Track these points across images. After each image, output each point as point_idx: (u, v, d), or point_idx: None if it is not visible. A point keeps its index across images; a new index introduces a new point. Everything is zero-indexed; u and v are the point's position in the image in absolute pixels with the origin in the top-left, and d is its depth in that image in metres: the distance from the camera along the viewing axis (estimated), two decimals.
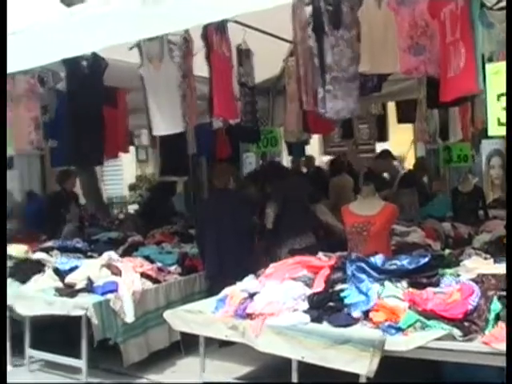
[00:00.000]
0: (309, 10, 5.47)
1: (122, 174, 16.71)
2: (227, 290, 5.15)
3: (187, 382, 5.45)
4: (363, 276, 4.71)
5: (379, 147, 11.59)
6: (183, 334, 5.70)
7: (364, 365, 4.01)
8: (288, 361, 4.50)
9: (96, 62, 6.81)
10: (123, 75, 7.03)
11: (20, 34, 5.97)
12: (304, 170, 11.09)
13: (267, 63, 7.73)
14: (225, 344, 5.39)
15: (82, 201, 11.48)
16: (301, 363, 4.42)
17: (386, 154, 9.52)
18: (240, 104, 6.85)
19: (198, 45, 6.16)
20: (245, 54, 7.07)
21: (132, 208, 12.78)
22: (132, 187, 14.73)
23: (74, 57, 6.03)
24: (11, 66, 6.09)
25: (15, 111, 6.90)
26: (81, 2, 6.29)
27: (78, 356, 5.71)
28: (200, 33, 5.96)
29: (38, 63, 5.99)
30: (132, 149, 12.32)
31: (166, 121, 6.22)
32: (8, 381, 5.94)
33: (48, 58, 5.84)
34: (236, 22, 6.11)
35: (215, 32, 5.93)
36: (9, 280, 6.23)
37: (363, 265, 4.79)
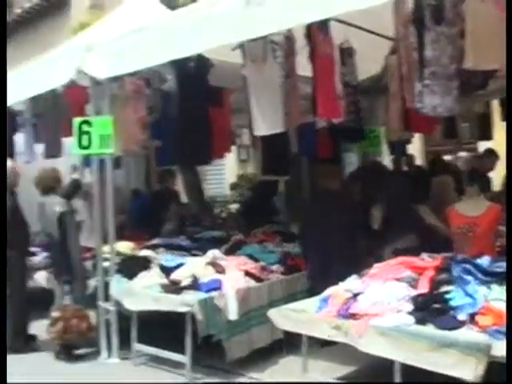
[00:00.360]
0: (411, 6, 5.36)
1: (224, 174, 16.90)
2: (330, 290, 5.12)
3: (289, 381, 5.45)
4: (469, 278, 4.58)
5: (482, 146, 11.24)
6: (285, 333, 5.71)
7: (469, 370, 3.89)
8: (390, 362, 4.43)
9: (201, 63, 6.93)
10: (226, 75, 7.13)
11: (128, 38, 6.17)
12: (405, 169, 10.89)
13: (368, 61, 7.62)
14: (326, 344, 5.34)
15: (185, 199, 11.72)
16: (404, 365, 4.34)
17: (491, 152, 9.24)
18: (343, 103, 6.79)
19: (300, 44, 6.15)
20: (347, 53, 7.00)
21: (233, 207, 12.89)
22: (233, 186, 14.87)
23: (182, 58, 6.13)
24: (120, 69, 6.31)
25: (122, 112, 7.10)
26: (180, 5, 6.43)
27: (182, 351, 5.80)
28: (301, 32, 5.95)
29: (147, 65, 6.14)
30: (234, 148, 12.42)
31: (267, 121, 6.24)
32: (115, 373, 6.18)
33: (156, 60, 5.99)
34: (338, 20, 6.06)
35: (318, 31, 5.91)
36: (117, 276, 6.47)
37: (469, 266, 4.67)
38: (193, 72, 6.96)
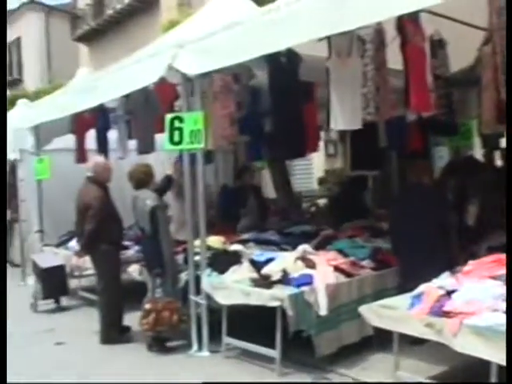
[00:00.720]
0: None
1: (312, 169, 16.88)
2: (423, 287, 5.01)
3: (377, 382, 5.39)
4: None
5: None
6: (375, 330, 5.64)
7: None
8: (484, 362, 4.29)
9: (292, 58, 6.92)
10: (312, 69, 7.09)
11: (218, 34, 6.23)
12: (498, 163, 10.57)
13: (459, 53, 7.42)
14: (417, 342, 5.25)
15: (271, 194, 11.76)
16: (500, 366, 4.19)
17: None
18: (434, 96, 6.64)
19: (389, 36, 6.07)
20: (438, 44, 6.84)
21: (321, 202, 12.87)
22: (321, 181, 14.84)
23: (274, 53, 6.15)
24: (210, 65, 6.38)
25: (212, 108, 7.19)
26: (268, 0, 6.43)
27: (271, 346, 5.83)
28: (391, 24, 5.86)
29: (237, 60, 6.18)
30: (321, 143, 12.37)
31: (345, 116, 6.14)
32: (205, 366, 6.26)
33: (246, 55, 6.02)
34: (428, 11, 5.93)
35: (409, 23, 5.80)
36: (208, 270, 6.55)
37: None
38: (284, 67, 6.95)
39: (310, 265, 6.17)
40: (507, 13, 3.99)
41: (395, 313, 4.88)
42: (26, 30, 38.53)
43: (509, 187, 3.66)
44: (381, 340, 5.77)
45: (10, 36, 40.70)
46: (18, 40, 40.11)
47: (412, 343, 5.49)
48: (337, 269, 6.21)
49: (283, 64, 6.95)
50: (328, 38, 6.03)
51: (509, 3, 4.03)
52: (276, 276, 6.08)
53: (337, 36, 5.85)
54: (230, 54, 6.11)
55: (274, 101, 7.18)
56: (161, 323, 6.63)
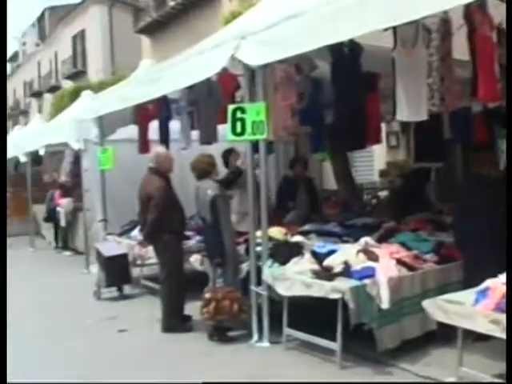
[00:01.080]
0: None
1: (373, 161, 16.73)
2: (488, 282, 4.90)
3: (440, 380, 5.30)
4: None
5: None
6: (438, 324, 5.54)
7: None
8: None
9: (354, 48, 6.85)
10: (374, 60, 7.01)
11: (280, 25, 6.19)
12: None
13: None
14: (481, 338, 5.14)
15: (333, 186, 11.69)
16: None
17: None
18: (500, 86, 6.48)
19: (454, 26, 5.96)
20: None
21: (382, 194, 12.75)
22: (383, 173, 14.69)
23: (337, 44, 6.09)
24: (272, 56, 6.36)
25: (273, 99, 7.17)
26: None
27: (332, 338, 5.80)
28: (453, 14, 5.74)
29: (299, 51, 6.13)
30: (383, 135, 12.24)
31: (411, 107, 6.05)
32: (265, 356, 6.27)
33: (308, 46, 5.97)
34: None
35: (477, 11, 5.66)
36: (269, 261, 6.56)
37: None
38: (346, 57, 6.89)
39: (373, 257, 6.11)
40: (507, 13, 3.87)
41: (460, 308, 4.79)
42: (89, 23, 39.29)
43: (509, 187, 3.56)
44: (444, 335, 5.69)
45: (75, 29, 41.65)
46: (82, 32, 40.95)
47: (476, 339, 5.40)
48: (399, 262, 6.14)
49: (345, 54, 6.89)
50: (393, 28, 5.94)
51: (509, 3, 3.91)
52: (338, 268, 6.04)
53: (402, 26, 5.75)
54: (292, 45, 6.07)
55: (336, 92, 7.13)
56: (221, 312, 6.67)
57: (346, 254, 6.27)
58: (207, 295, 6.83)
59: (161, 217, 7.31)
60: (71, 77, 41.24)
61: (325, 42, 5.88)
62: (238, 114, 6.48)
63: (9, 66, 70.33)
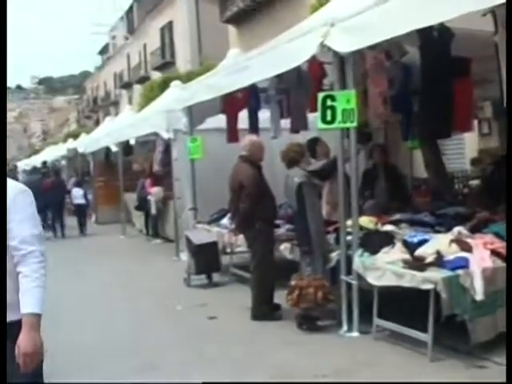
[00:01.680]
0: None
1: (464, 148, 16.31)
2: None
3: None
4: None
5: None
6: None
7: None
8: None
9: (444, 32, 6.67)
10: (467, 44, 6.81)
11: (370, 11, 6.09)
12: None
13: None
14: None
15: (422, 174, 11.45)
16: None
17: None
18: None
19: None
20: None
21: (473, 183, 12.40)
22: (474, 162, 14.27)
23: (426, 28, 5.95)
24: (362, 42, 6.27)
25: (364, 86, 7.08)
26: None
27: (423, 330, 5.70)
28: None
29: (389, 36, 6.02)
30: (475, 122, 11.89)
31: None
32: (354, 346, 6.23)
33: (398, 31, 5.85)
34: None
35: None
36: (359, 250, 6.50)
37: None
38: (436, 42, 6.72)
39: (466, 248, 5.95)
40: (507, 13, 3.64)
41: None
42: (177, 14, 39.81)
43: (509, 188, 3.37)
44: None
45: (162, 21, 42.32)
46: (169, 24, 41.56)
47: None
48: (494, 253, 5.94)
49: (435, 39, 6.72)
50: (492, 11, 5.74)
51: (509, 4, 3.69)
52: (430, 258, 5.91)
53: (502, 8, 5.56)
54: (382, 30, 5.96)
55: (424, 78, 6.96)
56: (304, 300, 6.68)
57: (439, 243, 6.13)
58: (292, 282, 6.85)
59: (253, 205, 7.36)
60: (160, 68, 41.95)
61: (416, 26, 5.75)
62: (328, 102, 6.42)
63: (99, 59, 72.52)
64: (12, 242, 3.13)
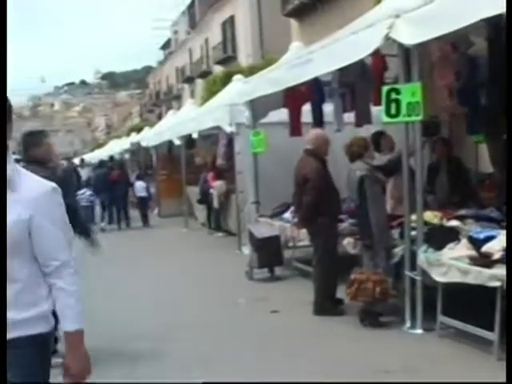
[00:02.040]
0: None
1: None
2: None
3: None
4: None
5: None
6: None
7: None
8: None
9: None
10: None
11: (436, 2, 5.98)
12: None
13: None
14: None
15: (488, 168, 11.20)
16: None
17: None
18: None
19: None
20: None
21: None
22: None
23: (494, 17, 5.79)
24: (428, 34, 6.15)
25: (429, 79, 6.96)
26: None
27: (489, 328, 5.57)
28: None
29: (454, 27, 5.88)
30: None
31: None
32: (417, 343, 6.14)
33: (463, 22, 5.72)
34: None
35: None
36: (424, 246, 6.40)
37: None
38: (504, 33, 6.54)
39: None
40: (507, 13, 3.46)
41: None
42: (238, 9, 39.91)
43: (509, 189, 3.21)
44: None
45: (224, 15, 42.52)
46: (231, 18, 41.70)
47: None
48: None
49: (504, 29, 6.54)
50: None
51: (509, 4, 3.52)
52: (497, 255, 5.76)
53: None
54: (449, 21, 5.82)
55: (491, 71, 6.79)
56: (362, 294, 6.65)
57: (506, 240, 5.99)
58: (352, 276, 6.81)
59: (316, 198, 7.33)
60: (222, 62, 42.15)
61: (483, 16, 5.60)
62: (393, 95, 6.33)
63: (161, 54, 73.31)
64: (39, 257, 2.84)
